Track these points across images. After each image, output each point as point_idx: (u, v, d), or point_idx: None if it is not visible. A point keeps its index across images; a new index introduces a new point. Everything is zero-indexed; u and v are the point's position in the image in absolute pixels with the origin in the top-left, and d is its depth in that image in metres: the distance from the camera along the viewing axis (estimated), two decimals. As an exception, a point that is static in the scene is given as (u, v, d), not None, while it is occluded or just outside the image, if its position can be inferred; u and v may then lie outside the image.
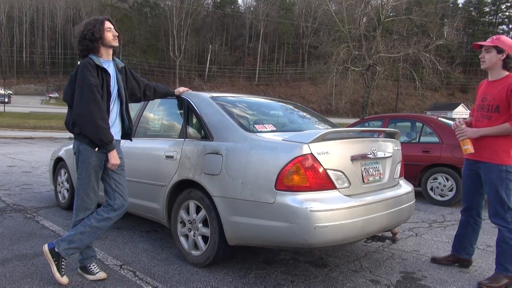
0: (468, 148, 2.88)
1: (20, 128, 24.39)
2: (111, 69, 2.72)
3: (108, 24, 2.68)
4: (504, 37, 2.85)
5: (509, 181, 2.79)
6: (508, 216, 2.79)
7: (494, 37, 2.88)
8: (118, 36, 2.74)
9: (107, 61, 2.71)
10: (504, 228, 2.80)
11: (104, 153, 2.63)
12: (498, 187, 2.79)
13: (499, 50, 2.79)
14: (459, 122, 3.00)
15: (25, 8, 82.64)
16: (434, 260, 3.29)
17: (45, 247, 2.62)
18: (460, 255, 3.19)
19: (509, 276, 2.78)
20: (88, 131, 2.54)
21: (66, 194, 4.76)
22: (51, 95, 72.80)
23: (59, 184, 4.94)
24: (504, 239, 2.79)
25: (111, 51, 2.75)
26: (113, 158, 2.63)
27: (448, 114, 45.39)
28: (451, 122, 3.19)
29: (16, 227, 3.94)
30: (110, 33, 2.69)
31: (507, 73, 2.83)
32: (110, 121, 2.68)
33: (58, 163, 4.97)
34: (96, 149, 2.60)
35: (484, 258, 3.43)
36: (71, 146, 4.65)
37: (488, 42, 2.86)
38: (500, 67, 2.83)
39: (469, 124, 3.06)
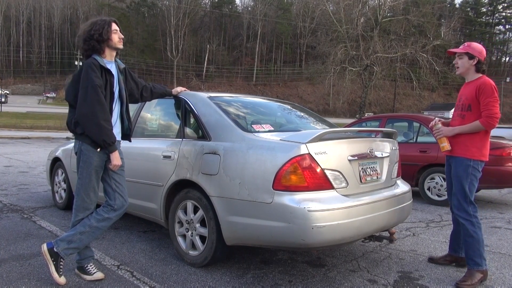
0: (445, 145, 3.06)
1: (17, 128, 24.28)
2: (114, 70, 2.73)
3: (115, 26, 2.71)
4: (474, 44, 3.04)
5: (474, 177, 2.94)
6: (470, 210, 2.92)
7: (466, 44, 3.08)
8: (122, 39, 2.76)
9: (110, 62, 2.73)
10: (467, 221, 2.92)
11: (106, 153, 2.64)
12: (463, 181, 2.94)
13: (470, 56, 2.98)
14: (435, 122, 3.16)
15: (22, 8, 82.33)
16: (431, 260, 3.31)
17: (44, 247, 2.62)
18: (458, 254, 3.22)
19: (481, 270, 2.86)
20: (91, 131, 2.55)
21: (63, 194, 4.74)
22: (48, 94, 72.57)
23: (56, 184, 4.93)
24: (469, 233, 2.90)
25: (114, 53, 2.76)
26: (115, 159, 2.64)
27: (445, 114, 45.47)
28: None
29: (13, 227, 3.92)
30: (116, 35, 2.70)
31: (480, 75, 3.01)
32: (112, 121, 2.68)
33: (55, 163, 4.95)
34: (98, 149, 2.60)
35: (481, 258, 3.44)
36: (69, 146, 4.65)
37: (460, 49, 3.05)
38: (473, 71, 3.02)
39: (446, 124, 3.20)
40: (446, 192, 5.68)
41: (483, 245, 2.91)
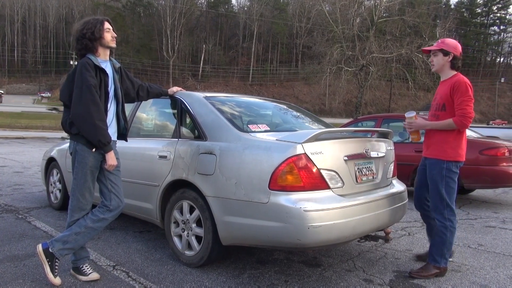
0: (416, 137, 3.10)
1: (11, 128, 24.14)
2: (108, 69, 2.72)
3: (107, 25, 2.70)
4: (448, 40, 3.00)
5: (449, 178, 2.92)
6: (445, 212, 2.94)
7: (439, 40, 3.03)
8: (115, 38, 2.75)
9: (105, 61, 2.71)
10: (441, 223, 2.95)
11: (101, 153, 2.63)
12: (438, 184, 2.94)
13: (445, 53, 2.95)
14: (411, 115, 3.13)
15: (17, 7, 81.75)
16: (419, 257, 3.36)
17: (39, 247, 2.61)
18: None
19: (438, 267, 2.94)
20: (87, 131, 2.53)
21: (59, 195, 4.72)
22: (43, 94, 72.14)
23: (51, 185, 4.90)
24: (438, 232, 2.96)
25: (108, 52, 2.75)
26: (111, 159, 2.63)
27: (441, 114, 45.42)
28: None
29: (7, 228, 3.90)
30: (109, 34, 2.69)
31: (455, 72, 2.98)
32: (107, 121, 2.67)
33: (50, 163, 4.93)
34: (93, 149, 2.59)
35: (476, 257, 3.46)
36: (64, 146, 4.63)
37: (434, 47, 3.01)
38: (448, 68, 2.99)
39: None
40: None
41: (450, 247, 2.96)
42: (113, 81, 2.75)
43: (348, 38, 31.67)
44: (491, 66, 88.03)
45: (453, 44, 2.96)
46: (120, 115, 2.82)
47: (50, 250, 2.58)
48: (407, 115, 3.11)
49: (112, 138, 2.73)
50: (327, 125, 3.77)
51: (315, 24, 45.07)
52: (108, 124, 2.67)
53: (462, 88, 2.82)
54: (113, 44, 2.74)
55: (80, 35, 2.63)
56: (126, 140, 2.99)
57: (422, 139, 3.16)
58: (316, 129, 3.40)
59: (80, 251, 2.74)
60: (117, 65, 2.84)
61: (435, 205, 2.98)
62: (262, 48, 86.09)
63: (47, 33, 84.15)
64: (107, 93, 2.66)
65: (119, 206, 2.74)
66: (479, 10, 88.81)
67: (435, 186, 2.95)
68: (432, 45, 3.11)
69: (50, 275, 2.56)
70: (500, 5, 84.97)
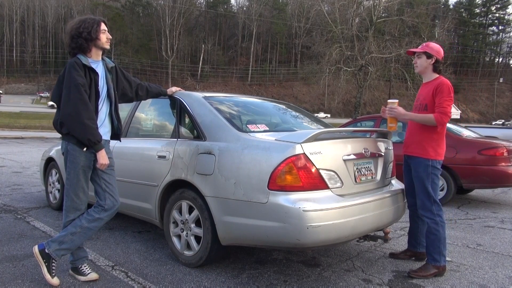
0: (393, 126, 3.17)
1: (10, 128, 24.10)
2: (99, 68, 2.70)
3: (103, 26, 2.69)
4: (432, 44, 3.12)
5: (434, 175, 3.01)
6: (434, 209, 3.00)
7: (424, 44, 3.15)
8: (110, 39, 2.75)
9: (96, 61, 2.69)
10: (431, 220, 3.00)
11: (93, 153, 2.61)
12: (424, 181, 3.00)
13: (428, 56, 3.06)
14: (393, 101, 3.20)
15: (16, 7, 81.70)
16: (392, 255, 3.39)
17: (36, 248, 2.60)
18: (416, 249, 3.32)
19: (437, 266, 2.96)
20: (76, 131, 2.53)
21: (57, 195, 4.72)
22: (42, 94, 72.10)
23: (50, 185, 4.90)
24: (431, 230, 3.00)
25: (100, 52, 2.73)
26: (102, 158, 2.61)
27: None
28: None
29: (6, 228, 3.89)
30: (105, 36, 2.69)
31: (437, 75, 3.10)
32: (99, 121, 2.66)
33: (49, 163, 4.93)
34: (85, 149, 2.58)
35: (474, 257, 3.46)
36: (62, 146, 4.62)
37: (418, 49, 3.12)
38: (430, 70, 3.10)
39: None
40: (439, 192, 5.74)
41: (445, 243, 3.00)
42: (105, 81, 2.72)
43: (347, 38, 31.71)
44: (489, 66, 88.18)
45: (436, 48, 3.08)
46: (113, 115, 2.79)
47: (46, 251, 2.58)
48: (390, 100, 3.19)
49: (105, 138, 2.73)
50: (326, 125, 3.77)
51: (314, 24, 45.16)
52: (100, 124, 2.67)
53: (445, 90, 2.94)
54: (107, 46, 2.72)
55: (76, 33, 2.61)
56: (120, 140, 2.98)
57: (402, 135, 3.19)
58: (315, 129, 3.41)
59: (79, 251, 2.74)
60: (110, 64, 2.81)
61: (422, 203, 3.04)
62: (261, 48, 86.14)
63: (46, 33, 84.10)
64: (97, 92, 2.64)
65: (114, 206, 2.73)
66: (478, 10, 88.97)
67: (422, 184, 3.02)
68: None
69: (47, 275, 2.56)
70: (498, 5, 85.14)
